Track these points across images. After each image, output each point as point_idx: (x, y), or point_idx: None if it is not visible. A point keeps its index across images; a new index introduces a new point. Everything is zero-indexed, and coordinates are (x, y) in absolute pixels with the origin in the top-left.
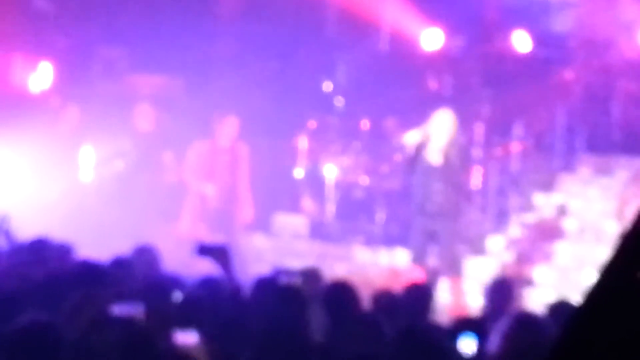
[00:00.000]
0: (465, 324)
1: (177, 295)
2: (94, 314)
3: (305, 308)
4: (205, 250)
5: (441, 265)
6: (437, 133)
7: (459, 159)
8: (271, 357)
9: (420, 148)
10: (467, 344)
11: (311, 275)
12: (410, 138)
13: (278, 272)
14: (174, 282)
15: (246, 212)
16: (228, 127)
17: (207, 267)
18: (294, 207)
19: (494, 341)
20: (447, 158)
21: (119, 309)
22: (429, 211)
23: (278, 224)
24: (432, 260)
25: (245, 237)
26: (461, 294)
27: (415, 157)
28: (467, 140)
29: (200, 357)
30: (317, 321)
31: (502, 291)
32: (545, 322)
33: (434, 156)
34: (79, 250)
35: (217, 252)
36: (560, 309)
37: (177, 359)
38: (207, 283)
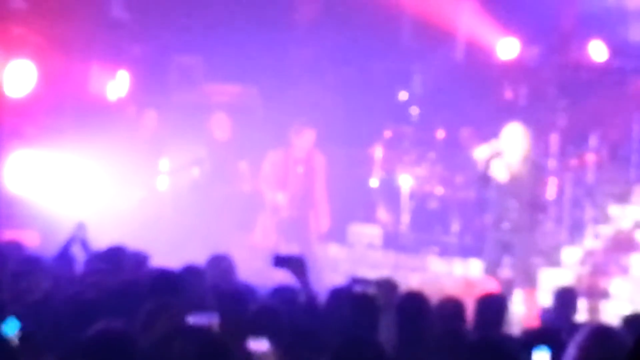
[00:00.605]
0: (538, 336)
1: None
2: (169, 323)
3: (380, 318)
4: (281, 261)
5: (515, 277)
6: (508, 147)
7: (532, 175)
8: None
9: (491, 163)
10: (541, 357)
11: (386, 285)
12: (481, 153)
13: (353, 281)
14: (249, 291)
15: (323, 221)
16: (305, 139)
17: (281, 277)
18: (369, 217)
19: (571, 354)
20: (520, 173)
21: (194, 319)
22: (504, 227)
23: (353, 234)
24: (507, 272)
25: (320, 247)
26: (535, 305)
27: (487, 172)
28: (540, 152)
29: None
30: (389, 331)
31: (567, 299)
32: (621, 335)
33: (503, 172)
34: (155, 259)
35: (293, 263)
36: (635, 321)
37: None
38: (282, 292)
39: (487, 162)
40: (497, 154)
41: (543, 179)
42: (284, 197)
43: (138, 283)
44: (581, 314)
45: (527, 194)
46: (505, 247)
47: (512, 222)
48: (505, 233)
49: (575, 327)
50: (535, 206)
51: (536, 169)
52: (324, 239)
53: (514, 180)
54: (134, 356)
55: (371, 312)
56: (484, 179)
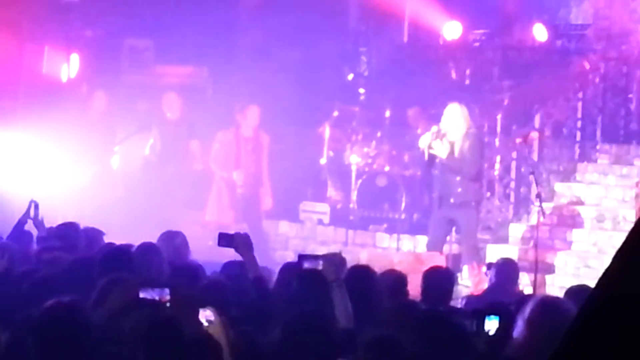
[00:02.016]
0: (485, 308)
1: None
2: (122, 298)
3: (329, 292)
4: (225, 239)
5: (462, 252)
6: (450, 127)
7: (475, 150)
8: (295, 341)
9: (432, 143)
10: (490, 325)
11: (334, 260)
12: (424, 142)
13: (301, 258)
14: (200, 267)
15: (266, 200)
16: (250, 117)
17: (233, 253)
18: (319, 195)
19: (520, 326)
20: (462, 150)
21: (145, 293)
22: (449, 203)
23: (303, 212)
24: (454, 247)
25: (271, 224)
26: (482, 280)
27: (430, 154)
28: (483, 130)
29: (219, 333)
30: (341, 305)
31: (508, 271)
32: (566, 305)
33: (443, 150)
34: (108, 236)
35: (237, 241)
36: (580, 293)
37: (201, 341)
38: (231, 268)
39: (429, 146)
40: (440, 136)
41: (485, 155)
42: (240, 175)
43: (92, 260)
44: (527, 289)
45: (470, 169)
46: (451, 223)
47: (456, 197)
48: (450, 209)
49: (522, 300)
50: (479, 181)
51: (478, 143)
52: (275, 217)
53: (457, 156)
54: (85, 330)
55: (320, 287)
56: (429, 161)
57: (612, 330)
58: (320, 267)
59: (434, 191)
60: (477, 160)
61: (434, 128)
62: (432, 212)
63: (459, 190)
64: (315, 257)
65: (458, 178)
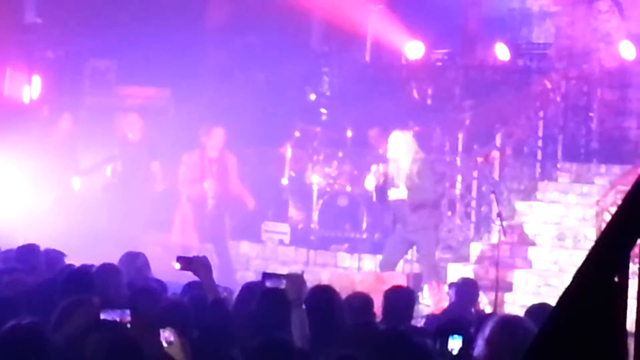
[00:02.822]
0: (446, 327)
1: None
2: (83, 319)
3: (289, 312)
4: (184, 262)
5: (423, 272)
6: (396, 155)
7: (424, 174)
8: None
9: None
10: (455, 344)
11: (296, 280)
12: (369, 184)
13: (264, 276)
14: (161, 288)
15: (248, 200)
16: (214, 138)
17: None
18: (280, 215)
19: (480, 345)
20: (412, 176)
21: (106, 315)
22: (405, 230)
23: (265, 232)
24: (415, 267)
25: (232, 244)
26: (442, 298)
27: (381, 194)
28: (447, 150)
29: (179, 354)
30: (299, 326)
31: (468, 290)
32: (528, 326)
33: (398, 194)
34: (69, 258)
35: (196, 264)
36: (540, 312)
37: None
38: (192, 289)
39: (379, 188)
40: (386, 174)
41: (438, 177)
42: (210, 185)
43: (54, 281)
44: (488, 307)
45: (424, 196)
46: (410, 244)
47: (413, 225)
48: (408, 233)
49: (482, 319)
50: (435, 203)
51: (427, 169)
52: (236, 237)
53: (408, 184)
54: (45, 352)
55: (282, 306)
56: (379, 199)
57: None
58: (283, 286)
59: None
60: (430, 186)
61: (374, 167)
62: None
63: (415, 218)
64: (279, 276)
65: (412, 205)
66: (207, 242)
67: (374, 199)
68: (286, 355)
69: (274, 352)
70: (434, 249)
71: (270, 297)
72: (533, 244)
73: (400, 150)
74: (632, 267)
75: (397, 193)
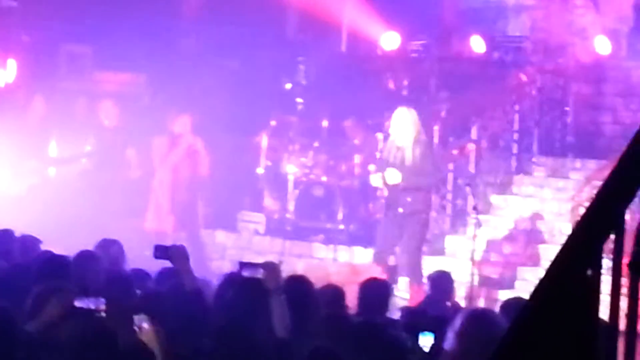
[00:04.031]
0: (421, 321)
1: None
2: (57, 307)
3: (267, 301)
4: (160, 251)
5: (400, 264)
6: (398, 132)
7: (425, 159)
8: (232, 350)
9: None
10: (426, 341)
11: (272, 268)
12: (376, 181)
13: (241, 266)
14: (137, 276)
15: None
16: (181, 126)
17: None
18: (256, 204)
19: (450, 338)
20: (413, 159)
21: (81, 302)
22: (399, 212)
23: (240, 221)
24: (391, 259)
25: (208, 234)
26: (419, 291)
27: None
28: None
29: (153, 341)
30: (279, 315)
31: (442, 283)
32: (498, 319)
33: (394, 178)
34: (45, 244)
35: (173, 253)
36: (514, 306)
37: (135, 351)
38: (168, 276)
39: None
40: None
41: (438, 163)
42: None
43: (28, 267)
44: (463, 301)
45: (424, 179)
46: (401, 229)
47: (406, 206)
48: (400, 217)
49: (457, 312)
50: (430, 187)
51: (429, 152)
52: (211, 226)
53: (409, 165)
54: (15, 338)
55: (259, 296)
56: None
57: (544, 342)
58: (260, 276)
59: (376, 201)
60: (431, 170)
61: (372, 167)
62: (380, 220)
63: (408, 200)
64: (256, 266)
65: (409, 186)
66: (180, 229)
67: (385, 192)
68: (257, 340)
69: (244, 335)
70: (417, 239)
71: (248, 287)
72: (508, 238)
73: (405, 128)
74: (608, 263)
75: (394, 177)
